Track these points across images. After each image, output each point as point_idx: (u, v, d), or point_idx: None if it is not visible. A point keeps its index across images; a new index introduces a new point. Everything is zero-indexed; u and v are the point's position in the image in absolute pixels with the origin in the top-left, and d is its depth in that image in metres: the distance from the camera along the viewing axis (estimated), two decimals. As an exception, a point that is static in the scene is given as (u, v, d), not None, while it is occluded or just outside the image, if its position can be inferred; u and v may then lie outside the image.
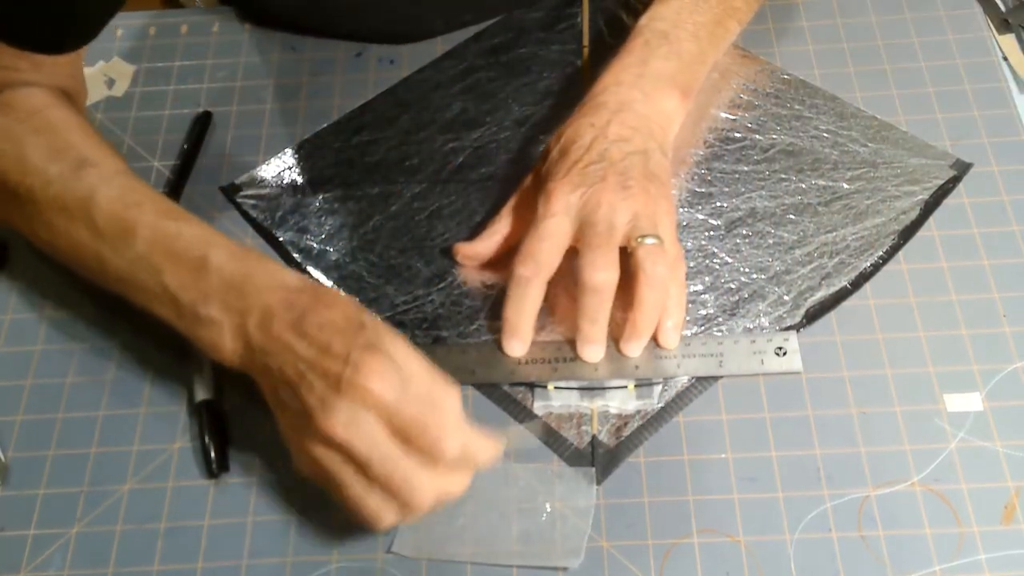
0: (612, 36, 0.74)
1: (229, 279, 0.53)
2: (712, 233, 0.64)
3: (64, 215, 0.57)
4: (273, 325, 0.51)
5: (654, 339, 0.58)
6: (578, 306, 0.56)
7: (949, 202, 0.65)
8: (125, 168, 0.59)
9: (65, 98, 0.62)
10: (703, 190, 0.66)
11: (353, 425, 0.48)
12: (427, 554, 0.54)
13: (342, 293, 0.63)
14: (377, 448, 0.48)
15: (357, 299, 0.63)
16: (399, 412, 0.48)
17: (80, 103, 0.65)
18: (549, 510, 0.55)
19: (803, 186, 0.65)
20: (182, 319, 0.55)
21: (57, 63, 0.61)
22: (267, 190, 0.69)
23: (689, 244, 0.63)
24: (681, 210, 0.65)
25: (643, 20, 0.65)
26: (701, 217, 0.65)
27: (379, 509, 0.49)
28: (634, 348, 0.58)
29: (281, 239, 0.66)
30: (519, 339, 0.58)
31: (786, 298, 0.61)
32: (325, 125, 0.72)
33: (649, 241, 0.55)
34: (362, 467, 0.49)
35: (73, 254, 0.58)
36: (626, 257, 0.56)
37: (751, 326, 0.60)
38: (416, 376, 0.49)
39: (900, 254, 0.63)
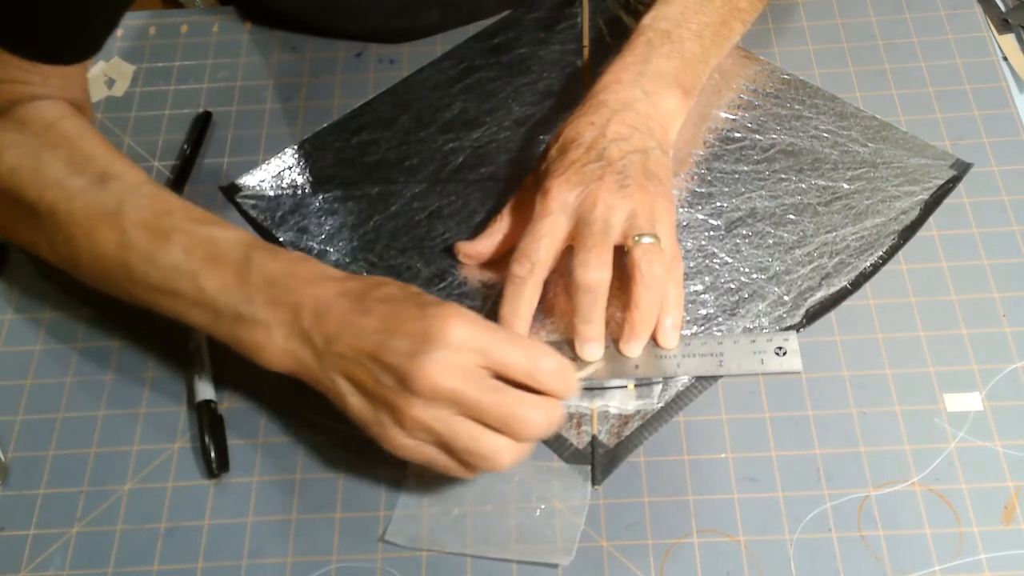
0: (612, 36, 0.74)
1: (272, 277, 0.53)
2: (712, 233, 0.64)
3: (88, 228, 0.56)
4: (332, 313, 0.51)
5: (653, 339, 0.58)
6: (573, 306, 0.56)
7: (949, 202, 0.65)
8: (148, 178, 0.58)
9: (75, 109, 0.62)
10: (703, 190, 0.66)
11: (454, 369, 0.48)
12: (420, 544, 0.54)
13: None
14: (483, 384, 0.49)
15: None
16: (492, 345, 0.49)
17: (88, 116, 0.64)
18: (544, 507, 0.55)
19: (803, 186, 0.65)
20: (221, 322, 0.54)
21: (66, 75, 0.61)
22: (267, 190, 0.69)
23: (689, 244, 0.63)
24: (681, 210, 0.65)
25: (646, 19, 0.65)
26: (701, 217, 0.65)
27: (496, 446, 0.50)
28: (633, 348, 0.58)
29: (281, 239, 0.66)
30: None
31: (786, 298, 0.61)
32: (325, 125, 0.72)
33: (646, 240, 0.55)
34: (472, 409, 0.49)
35: (96, 266, 0.57)
36: (624, 256, 0.56)
37: (751, 326, 0.60)
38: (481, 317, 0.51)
39: (900, 254, 0.63)
